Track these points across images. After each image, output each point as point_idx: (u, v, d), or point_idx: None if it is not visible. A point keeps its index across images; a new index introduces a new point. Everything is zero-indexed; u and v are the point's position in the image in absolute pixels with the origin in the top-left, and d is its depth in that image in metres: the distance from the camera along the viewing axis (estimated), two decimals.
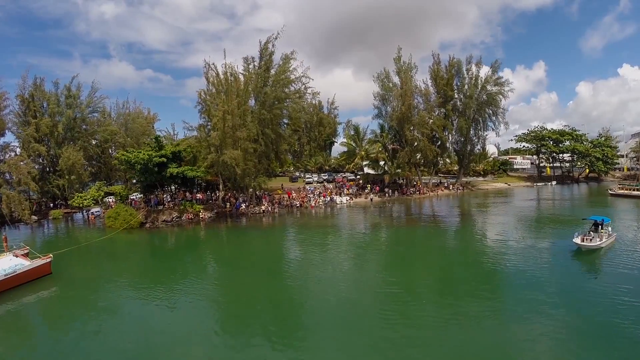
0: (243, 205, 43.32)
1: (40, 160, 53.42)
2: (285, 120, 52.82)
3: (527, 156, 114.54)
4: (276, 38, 42.46)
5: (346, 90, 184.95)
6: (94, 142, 57.52)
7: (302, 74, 43.43)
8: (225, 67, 43.33)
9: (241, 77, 44.30)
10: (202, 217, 40.90)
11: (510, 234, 28.97)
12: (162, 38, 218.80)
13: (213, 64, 43.41)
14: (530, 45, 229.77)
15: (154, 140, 42.37)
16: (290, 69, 42.85)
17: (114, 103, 72.72)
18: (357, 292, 18.07)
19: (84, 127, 56.48)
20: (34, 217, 47.10)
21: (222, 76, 43.63)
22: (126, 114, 63.09)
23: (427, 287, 18.73)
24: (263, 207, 43.11)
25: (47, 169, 53.49)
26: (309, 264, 23.69)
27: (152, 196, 42.57)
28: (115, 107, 64.90)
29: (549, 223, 34.80)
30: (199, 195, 44.02)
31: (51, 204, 53.12)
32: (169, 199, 42.76)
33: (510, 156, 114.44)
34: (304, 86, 44.77)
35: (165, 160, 40.00)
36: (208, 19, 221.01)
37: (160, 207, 41.83)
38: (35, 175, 51.00)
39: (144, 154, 39.72)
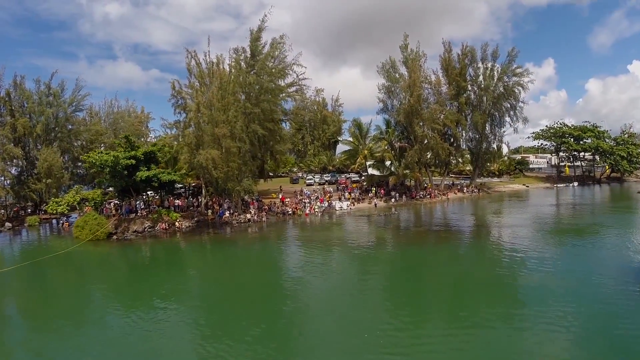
0: (227, 213, 35.92)
1: (20, 163, 47.34)
2: (281, 117, 45.31)
3: (539, 155, 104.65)
4: (263, 20, 34.86)
5: (353, 89, 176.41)
6: (78, 143, 51.15)
7: (293, 61, 35.62)
8: (207, 55, 36.11)
9: (227, 67, 36.96)
10: (178, 227, 33.73)
11: (552, 257, 20.89)
12: (168, 38, 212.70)
13: (194, 51, 36.18)
14: (540, 42, 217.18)
15: (124, 139, 35.17)
16: (277, 54, 35.00)
17: (102, 102, 66.12)
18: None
19: (70, 126, 50.36)
20: (8, 224, 41.36)
21: (204, 65, 36.39)
22: (115, 112, 56.68)
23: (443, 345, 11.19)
24: (249, 216, 35.55)
25: (26, 173, 47.23)
26: (288, 298, 16.50)
27: (123, 203, 35.64)
28: (104, 105, 58.72)
29: (594, 236, 26.39)
30: (177, 202, 36.83)
31: (29, 210, 46.98)
32: (143, 206, 35.65)
33: (522, 155, 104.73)
34: (296, 75, 36.96)
35: (134, 162, 32.89)
36: (214, 19, 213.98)
37: (132, 216, 34.83)
38: (11, 179, 45.45)
39: (109, 155, 32.74)
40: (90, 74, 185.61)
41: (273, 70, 35.42)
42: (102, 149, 52.16)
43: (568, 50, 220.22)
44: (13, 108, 45.62)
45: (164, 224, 33.71)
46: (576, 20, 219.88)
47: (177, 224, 33.91)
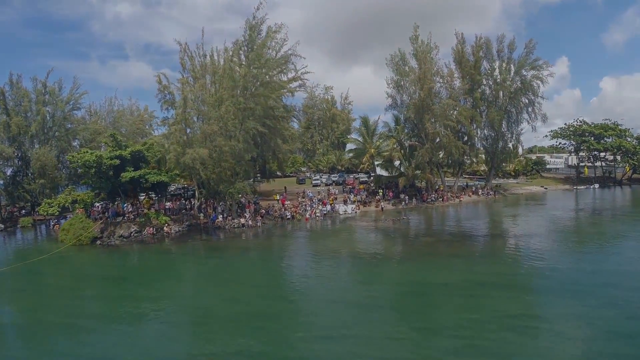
0: (220, 217, 32.22)
1: (15, 163, 44.71)
2: (283, 113, 41.40)
3: (555, 155, 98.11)
4: (258, 8, 30.94)
5: (365, 88, 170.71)
6: (76, 143, 48.35)
7: (290, 52, 31.59)
8: (201, 48, 32.51)
9: (222, 61, 33.25)
10: (166, 232, 30.19)
11: (576, 276, 16.66)
12: (179, 38, 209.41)
13: (186, 43, 32.58)
14: (553, 40, 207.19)
15: (110, 137, 31.84)
16: (273, 45, 31.02)
17: (103, 100, 63.38)
18: None
19: (69, 125, 47.64)
20: (0, 225, 38.82)
21: (196, 60, 32.80)
22: (115, 111, 53.85)
23: None
24: (242, 220, 31.71)
25: (21, 173, 44.57)
26: (277, 317, 13.26)
27: (110, 205, 32.37)
28: (105, 104, 55.99)
29: (623, 249, 21.82)
30: (168, 204, 33.33)
31: (23, 211, 44.28)
32: (130, 209, 32.23)
33: (537, 154, 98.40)
34: (294, 67, 32.97)
35: (118, 161, 29.49)
36: (225, 19, 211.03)
37: (120, 219, 31.48)
38: (4, 179, 43.00)
39: (91, 154, 29.45)
40: (102, 73, 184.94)
41: (270, 63, 31.43)
42: (101, 148, 49.60)
43: (582, 48, 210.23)
44: (8, 107, 43.04)
45: (151, 229, 30.25)
46: (590, 17, 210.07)
47: (165, 228, 30.39)
